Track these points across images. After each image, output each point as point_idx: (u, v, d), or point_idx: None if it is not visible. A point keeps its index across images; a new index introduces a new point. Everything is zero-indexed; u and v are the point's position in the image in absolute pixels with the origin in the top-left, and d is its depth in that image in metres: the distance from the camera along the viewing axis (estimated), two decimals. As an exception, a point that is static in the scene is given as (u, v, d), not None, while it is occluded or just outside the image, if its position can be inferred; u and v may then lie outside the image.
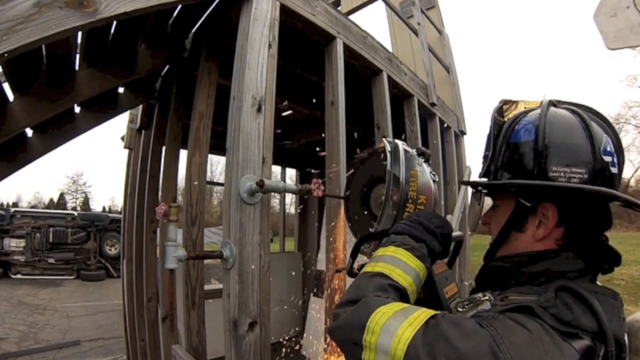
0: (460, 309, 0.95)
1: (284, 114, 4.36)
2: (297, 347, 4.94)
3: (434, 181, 1.30)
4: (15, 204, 33.21)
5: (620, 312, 0.80)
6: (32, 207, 32.48)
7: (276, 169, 6.28)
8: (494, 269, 0.95)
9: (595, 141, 0.83)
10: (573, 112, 0.89)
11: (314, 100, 3.35)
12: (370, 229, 1.37)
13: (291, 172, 6.62)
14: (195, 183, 2.22)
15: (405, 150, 1.32)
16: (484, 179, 0.99)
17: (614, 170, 0.85)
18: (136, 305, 3.69)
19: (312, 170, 6.18)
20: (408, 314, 0.75)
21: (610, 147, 0.85)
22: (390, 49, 6.20)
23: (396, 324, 0.73)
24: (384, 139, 1.38)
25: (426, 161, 1.34)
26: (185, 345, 2.19)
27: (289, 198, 13.13)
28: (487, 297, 0.89)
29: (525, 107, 0.98)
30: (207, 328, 2.35)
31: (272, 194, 1.80)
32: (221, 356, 1.91)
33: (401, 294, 0.88)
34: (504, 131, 0.94)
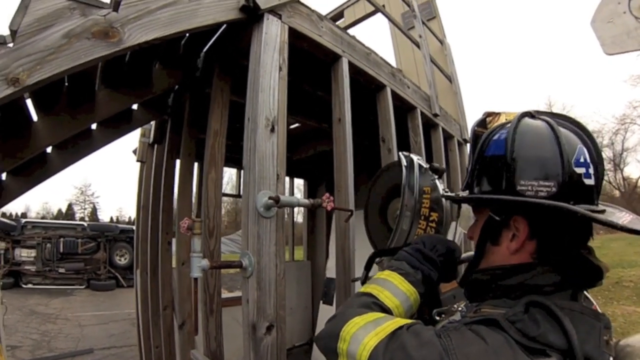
0: (437, 318, 1.01)
1: (292, 127, 4.49)
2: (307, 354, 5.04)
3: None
4: (24, 215, 33.46)
5: (603, 334, 0.76)
6: (42, 218, 32.79)
7: (285, 179, 6.37)
8: (473, 282, 0.95)
9: (565, 153, 0.81)
10: (547, 123, 0.86)
11: (321, 115, 3.47)
12: (387, 240, 1.42)
13: (298, 182, 6.71)
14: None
15: (420, 166, 1.35)
16: (465, 192, 0.99)
17: (589, 181, 0.82)
18: (151, 314, 3.79)
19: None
20: (378, 325, 0.81)
21: (584, 158, 0.82)
22: (393, 57, 6.35)
23: (364, 333, 0.79)
24: (400, 153, 1.41)
25: (439, 177, 1.36)
26: (204, 350, 2.30)
27: (297, 208, 13.20)
28: (460, 309, 0.96)
29: (506, 119, 0.99)
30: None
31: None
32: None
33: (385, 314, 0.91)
34: (480, 145, 0.94)
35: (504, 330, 0.72)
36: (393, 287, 0.98)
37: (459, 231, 1.40)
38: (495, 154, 0.89)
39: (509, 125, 0.89)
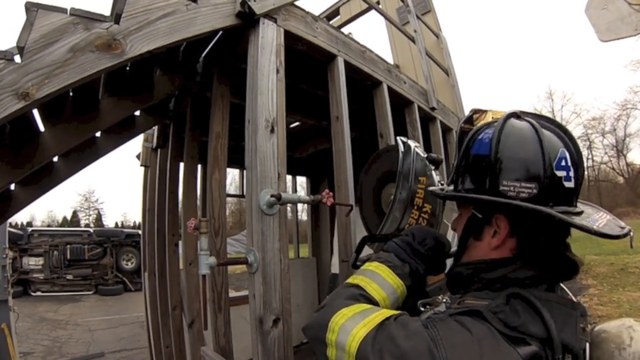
0: (422, 309, 1.04)
1: (292, 125, 4.55)
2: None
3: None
4: (29, 224, 33.55)
5: (579, 322, 0.81)
6: (47, 226, 32.92)
7: (287, 177, 6.44)
8: (455, 275, 0.98)
9: (546, 156, 0.82)
10: (531, 125, 0.88)
11: (320, 112, 3.53)
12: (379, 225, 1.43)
13: (301, 180, 6.77)
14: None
15: (418, 154, 1.33)
16: (451, 187, 1.01)
17: (569, 184, 0.84)
18: (160, 315, 3.87)
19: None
20: (365, 316, 0.83)
21: (566, 162, 0.84)
22: (390, 51, 6.36)
23: (352, 324, 0.82)
24: (398, 138, 1.39)
25: (436, 169, 1.35)
26: (213, 346, 2.36)
27: (301, 206, 13.29)
28: (444, 300, 0.99)
29: (492, 117, 1.00)
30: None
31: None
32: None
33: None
34: (466, 142, 0.95)
35: (487, 320, 0.75)
36: (381, 279, 1.01)
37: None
38: (480, 153, 0.90)
39: (495, 124, 0.91)
